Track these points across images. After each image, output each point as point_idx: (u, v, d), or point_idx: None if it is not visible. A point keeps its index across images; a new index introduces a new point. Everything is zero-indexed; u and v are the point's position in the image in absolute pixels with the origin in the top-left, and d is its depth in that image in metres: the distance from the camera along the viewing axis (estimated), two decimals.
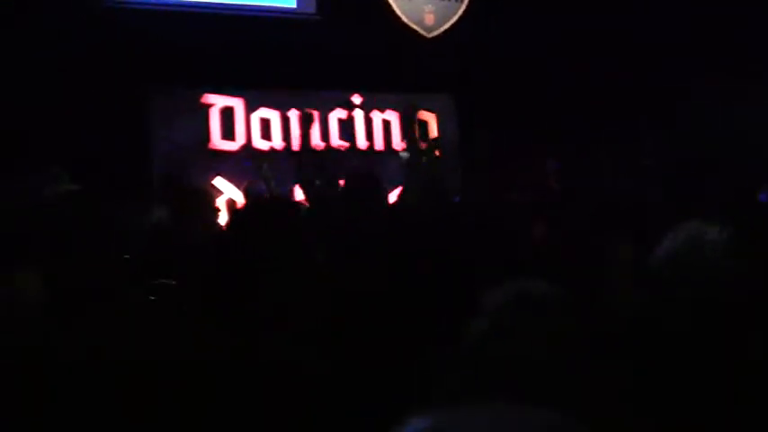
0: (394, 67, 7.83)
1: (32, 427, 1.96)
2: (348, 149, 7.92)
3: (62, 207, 3.02)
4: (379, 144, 8.15)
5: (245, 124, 7.65)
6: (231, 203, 7.34)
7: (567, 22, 7.89)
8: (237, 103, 7.63)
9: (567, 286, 1.86)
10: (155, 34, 7.03)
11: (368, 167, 6.51)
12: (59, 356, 2.13)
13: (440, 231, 3.61)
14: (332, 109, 7.93)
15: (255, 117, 7.69)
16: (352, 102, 8.08)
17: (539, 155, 6.93)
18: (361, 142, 8.06)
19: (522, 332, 1.70)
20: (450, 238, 3.45)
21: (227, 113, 7.61)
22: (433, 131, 8.23)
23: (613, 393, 1.77)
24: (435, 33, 8.48)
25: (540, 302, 1.75)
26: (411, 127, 7.03)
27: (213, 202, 7.14)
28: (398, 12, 8.36)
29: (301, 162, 5.81)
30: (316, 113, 7.34)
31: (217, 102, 7.58)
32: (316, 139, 7.71)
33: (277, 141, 7.71)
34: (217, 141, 7.54)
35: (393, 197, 6.18)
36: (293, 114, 7.75)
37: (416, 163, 6.08)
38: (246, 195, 6.69)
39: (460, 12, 8.55)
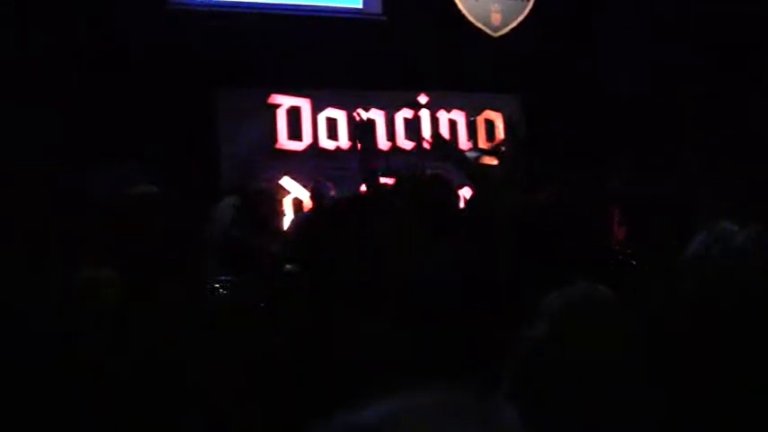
0: (460, 66, 7.79)
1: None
2: (414, 149, 7.90)
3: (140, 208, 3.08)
4: None
5: (312, 124, 7.68)
6: (298, 203, 7.40)
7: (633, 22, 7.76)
8: (304, 103, 7.67)
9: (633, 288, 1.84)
10: (221, 35, 7.12)
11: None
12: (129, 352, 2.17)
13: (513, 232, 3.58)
14: (398, 109, 7.93)
15: (322, 117, 7.71)
16: (418, 101, 8.07)
17: (608, 155, 6.81)
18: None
19: (580, 336, 1.68)
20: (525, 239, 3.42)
21: (294, 113, 7.65)
22: (500, 132, 8.17)
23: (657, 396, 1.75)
24: (501, 33, 8.40)
25: (599, 306, 1.73)
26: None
27: (280, 202, 7.25)
28: (465, 11, 8.31)
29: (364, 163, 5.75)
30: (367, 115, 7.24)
31: (283, 102, 7.62)
32: (381, 140, 7.71)
33: (343, 141, 7.72)
34: (284, 141, 7.59)
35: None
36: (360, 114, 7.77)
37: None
38: (313, 195, 6.74)
39: (527, 11, 8.46)
